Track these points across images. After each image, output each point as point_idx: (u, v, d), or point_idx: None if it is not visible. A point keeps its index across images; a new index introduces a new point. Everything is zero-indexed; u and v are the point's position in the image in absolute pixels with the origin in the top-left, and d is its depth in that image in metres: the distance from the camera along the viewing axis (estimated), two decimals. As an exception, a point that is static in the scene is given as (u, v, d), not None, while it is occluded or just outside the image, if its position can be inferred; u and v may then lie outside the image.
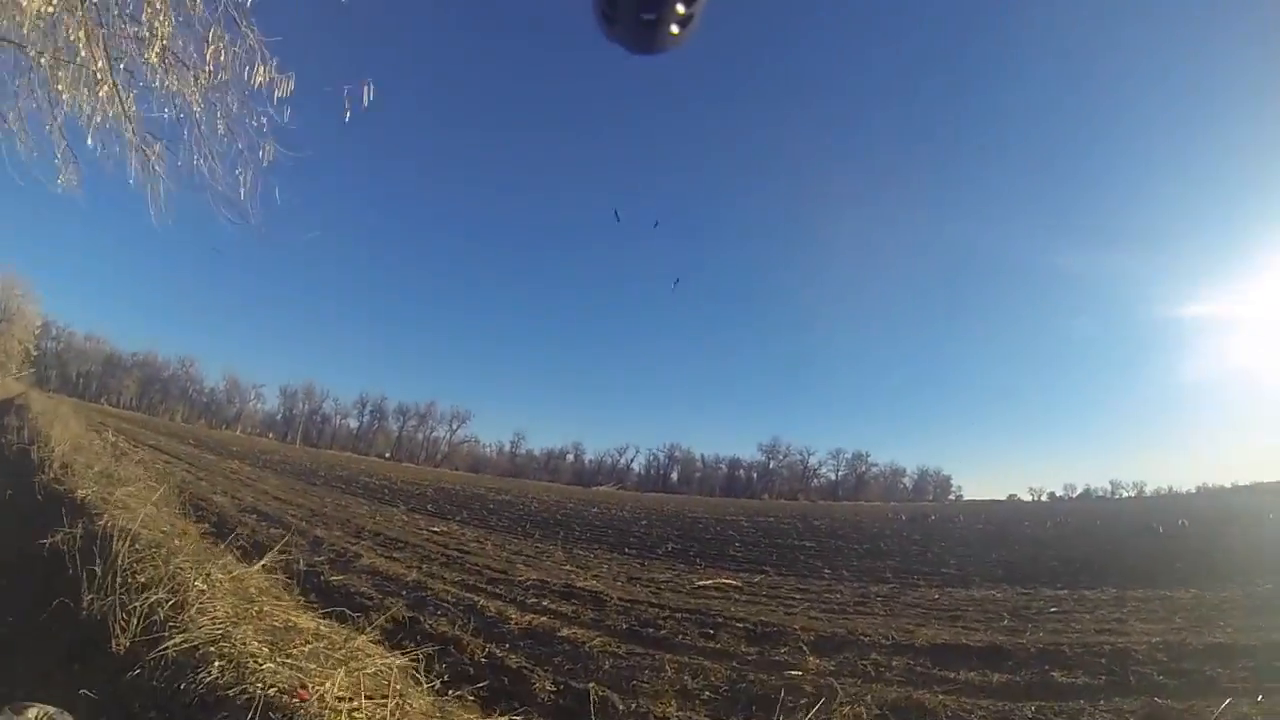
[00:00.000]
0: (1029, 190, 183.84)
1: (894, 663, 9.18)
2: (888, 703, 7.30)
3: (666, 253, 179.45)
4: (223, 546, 6.11)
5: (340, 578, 11.28)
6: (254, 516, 16.61)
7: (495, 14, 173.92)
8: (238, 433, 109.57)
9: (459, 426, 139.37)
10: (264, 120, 6.24)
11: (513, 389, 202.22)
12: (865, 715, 6.79)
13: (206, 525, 11.41)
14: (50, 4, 5.12)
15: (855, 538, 33.32)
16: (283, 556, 5.24)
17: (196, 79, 5.92)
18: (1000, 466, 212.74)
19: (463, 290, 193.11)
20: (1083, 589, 16.72)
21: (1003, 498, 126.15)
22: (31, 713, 2.28)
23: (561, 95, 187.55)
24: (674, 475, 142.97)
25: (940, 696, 7.63)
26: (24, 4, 5.04)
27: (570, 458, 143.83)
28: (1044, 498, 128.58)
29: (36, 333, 68.66)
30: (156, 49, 5.51)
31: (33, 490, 8.27)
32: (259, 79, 5.81)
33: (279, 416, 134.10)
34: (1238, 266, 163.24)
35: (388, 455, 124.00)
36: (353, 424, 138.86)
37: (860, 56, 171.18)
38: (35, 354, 72.61)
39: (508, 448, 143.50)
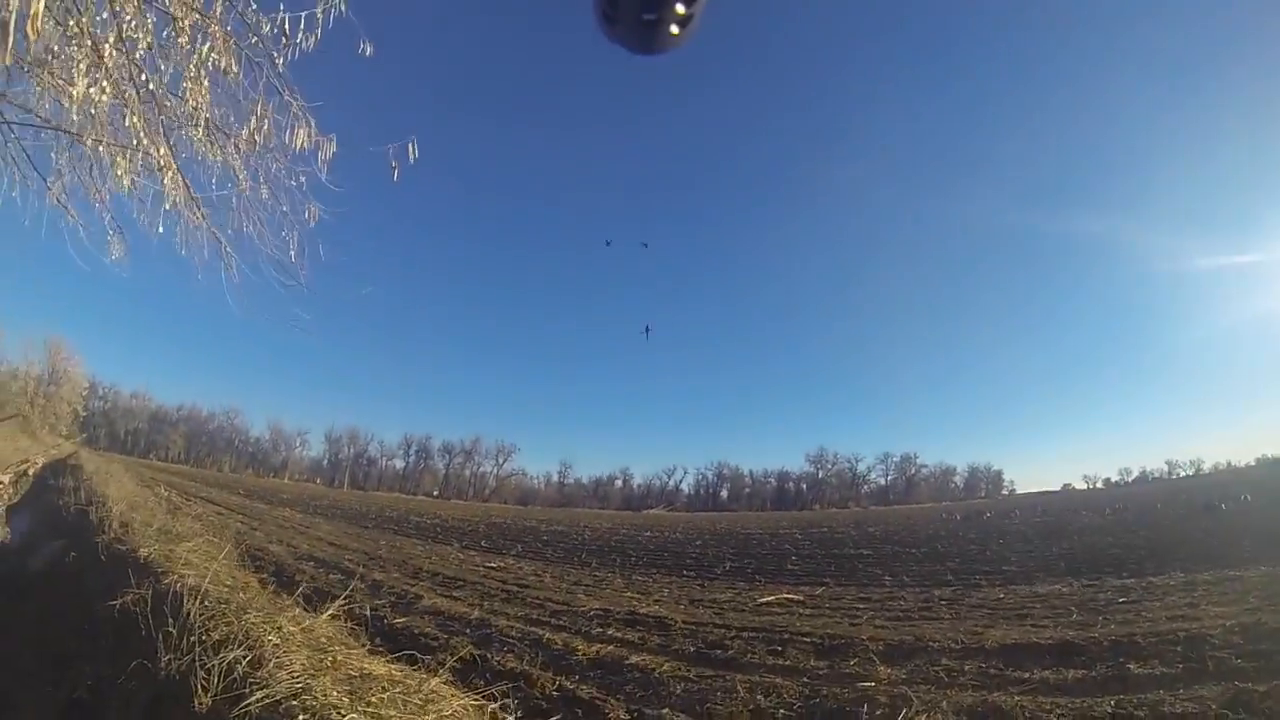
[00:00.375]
0: (1057, 163, 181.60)
1: (966, 667, 9.10)
2: (964, 708, 7.27)
3: (700, 276, 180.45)
4: (286, 597, 6.19)
5: (403, 620, 11.36)
6: (311, 564, 16.88)
7: (538, 63, 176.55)
8: (285, 480, 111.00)
9: (505, 460, 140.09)
10: (303, 179, 6.32)
11: (556, 419, 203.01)
12: None
13: (266, 575, 11.62)
14: (104, 93, 5.24)
15: (911, 542, 32.97)
16: (347, 604, 5.31)
17: (238, 147, 6.00)
18: (1052, 456, 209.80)
19: (500, 327, 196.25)
20: (1149, 576, 16.45)
21: (1057, 488, 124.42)
22: None
23: (592, 136, 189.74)
24: (723, 493, 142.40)
25: (1016, 698, 7.56)
26: (74, 92, 5.17)
27: (619, 483, 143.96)
28: (1099, 484, 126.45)
29: (84, 393, 70.70)
30: (201, 122, 5.70)
31: (95, 551, 8.39)
32: (300, 142, 5.89)
33: (325, 462, 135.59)
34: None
35: (436, 493, 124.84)
36: (399, 465, 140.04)
37: (866, 50, 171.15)
38: (84, 414, 74.47)
39: (555, 478, 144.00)
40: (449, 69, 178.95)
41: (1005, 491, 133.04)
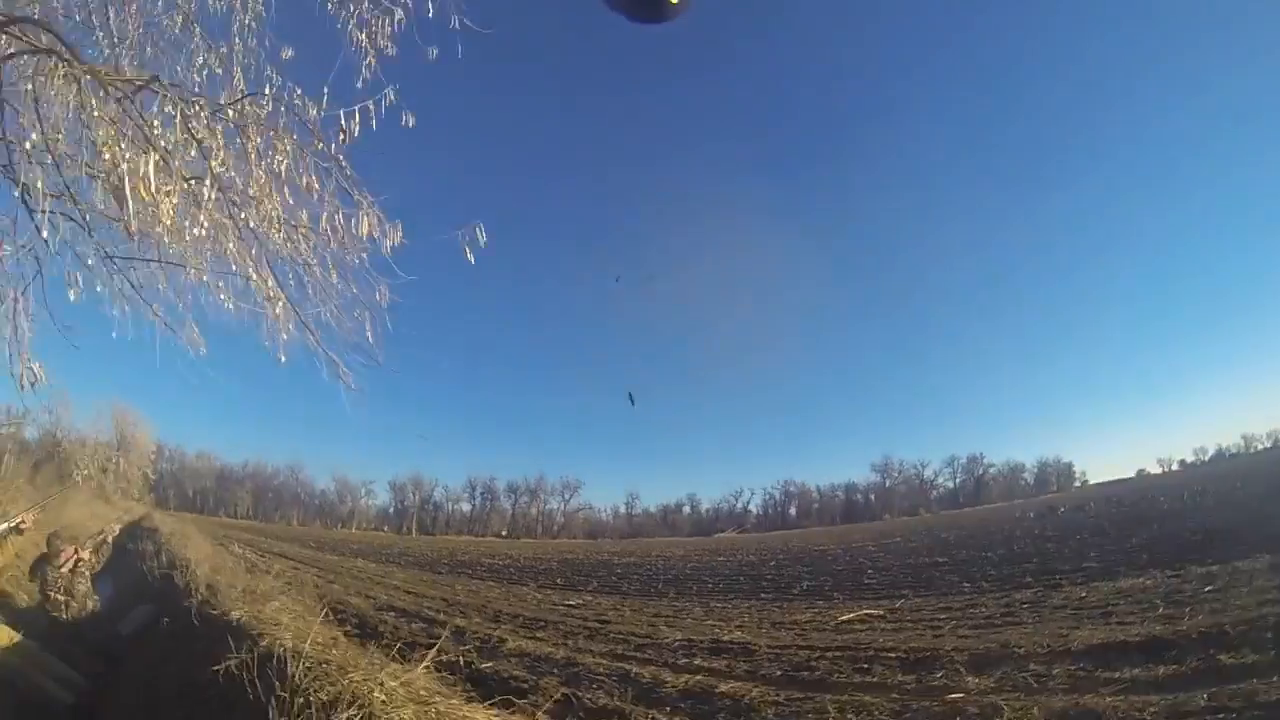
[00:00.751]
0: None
1: (1054, 671, 9.11)
2: (1056, 713, 7.35)
3: (750, 293, 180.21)
4: (374, 648, 6.21)
5: (490, 664, 11.52)
6: (392, 614, 17.09)
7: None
8: (353, 530, 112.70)
9: (571, 496, 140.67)
10: (364, 258, 6.49)
11: (620, 451, 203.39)
12: None
13: (350, 628, 11.93)
14: (200, 225, 5.48)
15: (987, 545, 32.51)
16: (437, 655, 5.45)
17: (310, 242, 6.24)
18: (1123, 442, 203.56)
19: (556, 362, 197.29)
20: (1235, 560, 16.05)
21: (1131, 474, 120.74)
22: None
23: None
24: (792, 510, 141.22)
25: (1108, 699, 7.58)
26: (166, 223, 5.35)
27: (686, 509, 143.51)
28: (1174, 467, 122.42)
29: (152, 457, 72.89)
30: (279, 227, 6.05)
31: (186, 614, 8.54)
32: (366, 229, 6.03)
33: (391, 510, 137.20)
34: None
35: (504, 533, 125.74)
36: (465, 507, 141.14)
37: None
38: (153, 476, 76.75)
39: (623, 509, 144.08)
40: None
41: (1077, 484, 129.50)
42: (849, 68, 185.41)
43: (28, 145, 4.86)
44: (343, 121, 5.79)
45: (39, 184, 4.82)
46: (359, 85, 5.69)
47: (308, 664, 4.94)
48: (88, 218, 5.48)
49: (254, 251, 5.98)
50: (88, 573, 10.17)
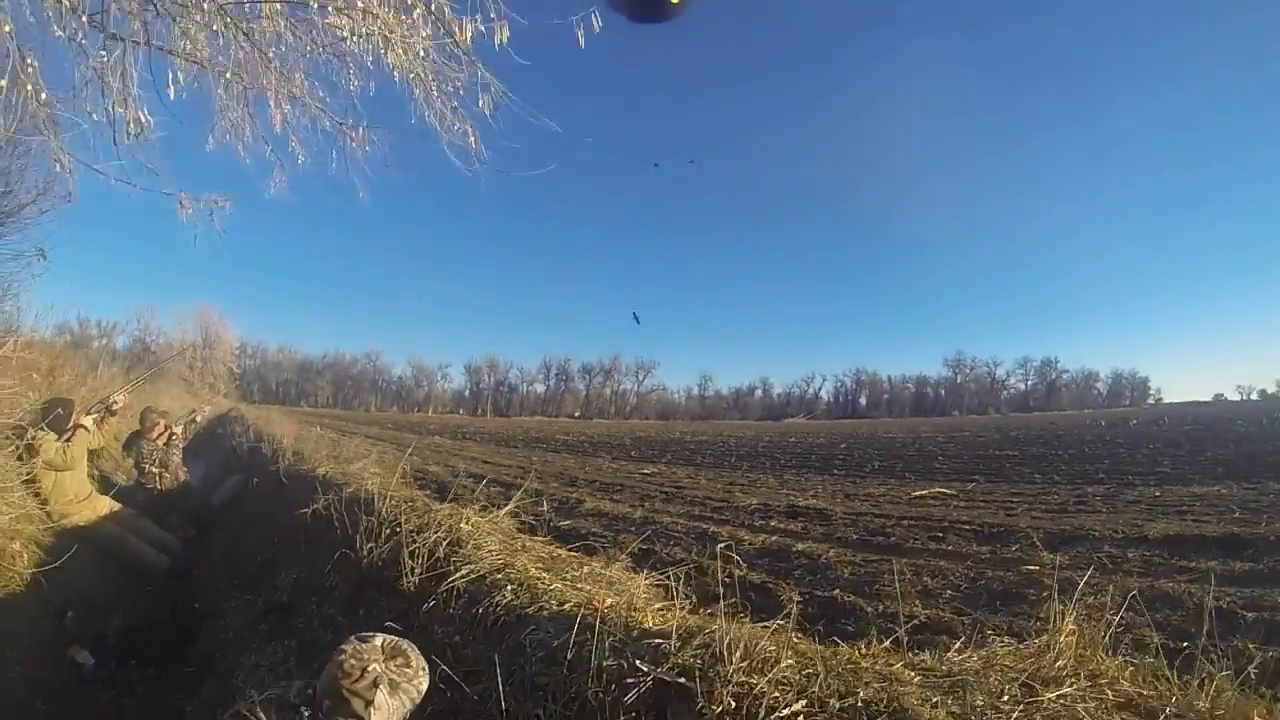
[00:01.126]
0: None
1: (1129, 555, 9.29)
2: (1131, 592, 7.56)
3: (834, 181, 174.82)
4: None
5: (568, 522, 12.10)
6: (470, 480, 17.50)
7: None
8: (429, 414, 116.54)
9: (645, 377, 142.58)
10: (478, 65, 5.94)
11: (695, 330, 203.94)
12: (1110, 606, 7.05)
13: (429, 492, 12.49)
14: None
15: (1058, 445, 32.14)
16: (516, 508, 5.54)
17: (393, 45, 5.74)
18: (1203, 364, 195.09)
19: (636, 237, 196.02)
20: (1315, 478, 15.83)
21: (1208, 399, 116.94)
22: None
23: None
24: (862, 400, 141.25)
25: (1184, 585, 7.74)
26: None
27: (759, 393, 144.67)
28: (1253, 396, 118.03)
29: (236, 353, 75.55)
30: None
31: (275, 476, 8.92)
32: (469, 34, 5.59)
33: (466, 393, 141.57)
34: None
35: (578, 414, 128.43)
36: (539, 389, 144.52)
37: None
38: (238, 372, 79.73)
39: (696, 391, 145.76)
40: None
41: (1151, 400, 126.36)
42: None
43: None
44: None
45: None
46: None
47: (393, 502, 5.23)
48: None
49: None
50: (180, 445, 10.69)
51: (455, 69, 5.85)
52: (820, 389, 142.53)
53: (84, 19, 4.84)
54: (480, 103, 5.97)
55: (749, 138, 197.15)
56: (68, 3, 4.64)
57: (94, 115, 5.05)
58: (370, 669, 2.23)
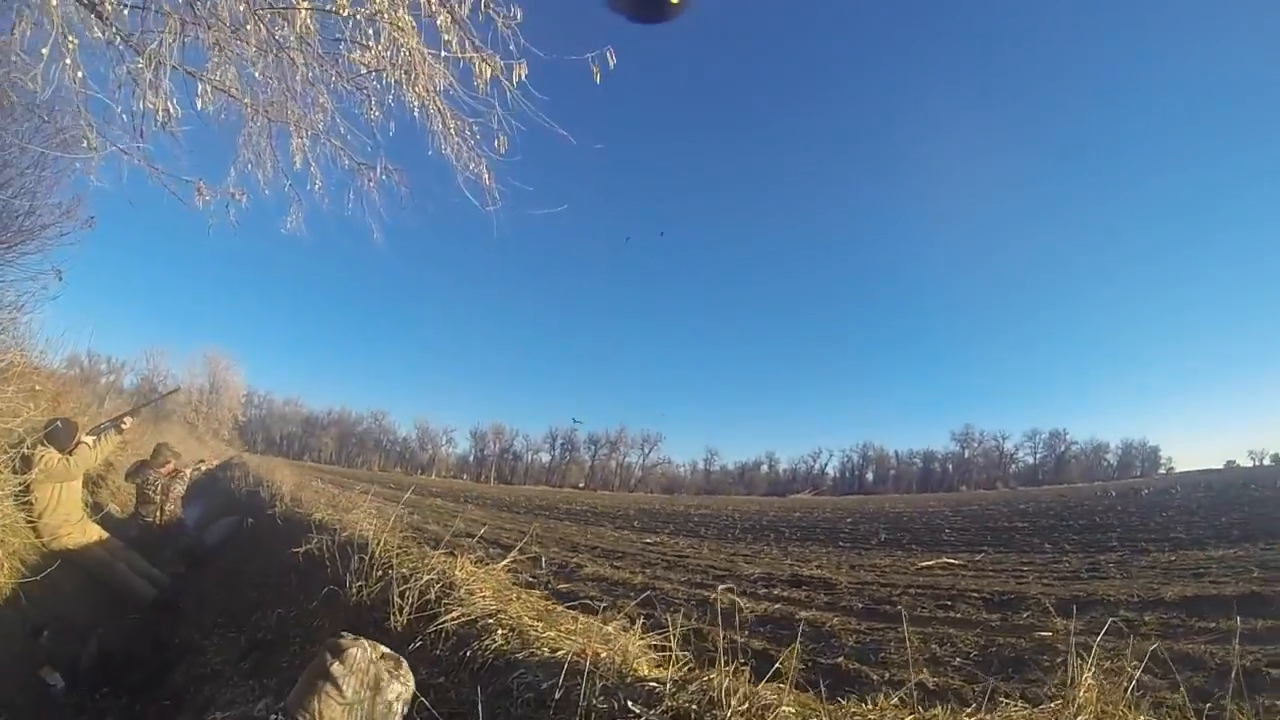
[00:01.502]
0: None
1: (1146, 618, 9.06)
2: (1147, 655, 7.31)
3: (838, 254, 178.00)
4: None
5: (567, 585, 11.84)
6: (469, 539, 17.42)
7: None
8: (433, 476, 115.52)
9: (650, 450, 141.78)
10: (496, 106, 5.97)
11: (701, 406, 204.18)
12: (1127, 668, 6.82)
13: (428, 548, 12.26)
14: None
15: (1068, 516, 31.75)
16: (514, 564, 5.45)
17: (416, 82, 5.86)
18: (1213, 432, 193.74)
19: (643, 315, 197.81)
20: (1337, 543, 15.47)
21: (1220, 465, 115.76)
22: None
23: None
24: (869, 475, 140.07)
25: (1205, 645, 7.53)
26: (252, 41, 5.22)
27: (764, 468, 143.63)
28: (1267, 460, 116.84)
29: (242, 401, 76.26)
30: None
31: (271, 519, 8.98)
32: (489, 74, 5.68)
33: (471, 458, 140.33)
34: None
35: (582, 485, 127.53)
36: (544, 458, 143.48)
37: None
38: (242, 420, 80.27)
39: (701, 465, 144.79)
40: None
41: (1162, 469, 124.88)
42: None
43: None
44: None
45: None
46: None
47: (387, 545, 5.20)
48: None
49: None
50: (185, 480, 10.74)
51: (473, 106, 5.93)
52: (827, 464, 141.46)
53: (118, 36, 5.03)
54: (496, 142, 6.05)
55: (754, 217, 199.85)
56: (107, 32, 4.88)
57: (122, 114, 5.24)
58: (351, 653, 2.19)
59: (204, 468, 13.71)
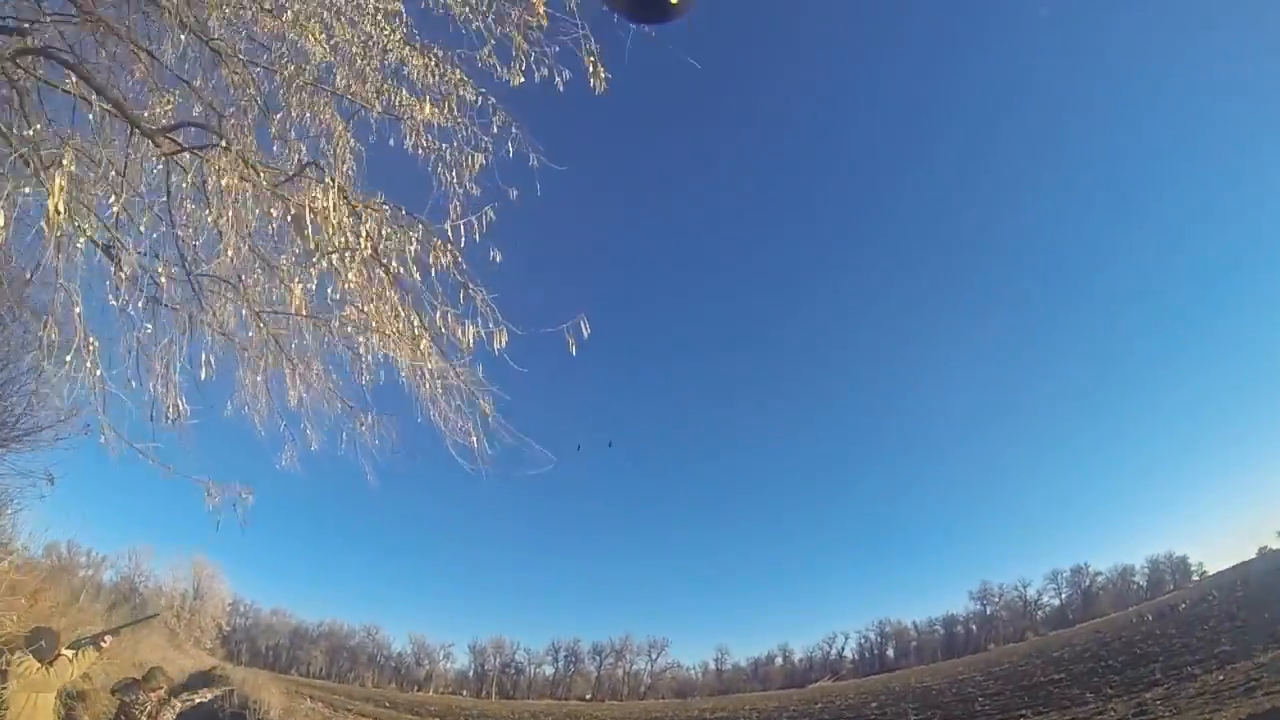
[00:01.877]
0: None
1: (1203, 751, 8.59)
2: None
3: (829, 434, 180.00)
4: None
5: None
6: None
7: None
8: (430, 693, 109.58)
9: (658, 655, 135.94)
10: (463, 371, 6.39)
11: (706, 606, 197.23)
12: None
13: None
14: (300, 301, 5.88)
15: (1105, 654, 30.51)
16: None
17: (400, 344, 6.22)
18: (1239, 520, 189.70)
19: (638, 521, 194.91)
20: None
21: (1253, 554, 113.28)
22: None
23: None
24: (889, 651, 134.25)
25: None
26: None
27: (779, 661, 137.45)
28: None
29: (227, 609, 74.25)
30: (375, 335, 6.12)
31: None
32: (472, 336, 6.00)
33: (470, 673, 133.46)
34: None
35: (589, 696, 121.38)
36: (548, 671, 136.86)
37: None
38: (226, 629, 77.83)
39: (712, 665, 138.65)
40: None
41: (1195, 576, 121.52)
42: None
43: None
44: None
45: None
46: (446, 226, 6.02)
47: None
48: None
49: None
50: (175, 712, 10.48)
51: (458, 374, 6.37)
52: (844, 648, 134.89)
53: (141, 297, 5.58)
54: (481, 405, 6.44)
55: (746, 422, 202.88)
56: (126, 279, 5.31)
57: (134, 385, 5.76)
58: None
59: (196, 700, 13.22)
